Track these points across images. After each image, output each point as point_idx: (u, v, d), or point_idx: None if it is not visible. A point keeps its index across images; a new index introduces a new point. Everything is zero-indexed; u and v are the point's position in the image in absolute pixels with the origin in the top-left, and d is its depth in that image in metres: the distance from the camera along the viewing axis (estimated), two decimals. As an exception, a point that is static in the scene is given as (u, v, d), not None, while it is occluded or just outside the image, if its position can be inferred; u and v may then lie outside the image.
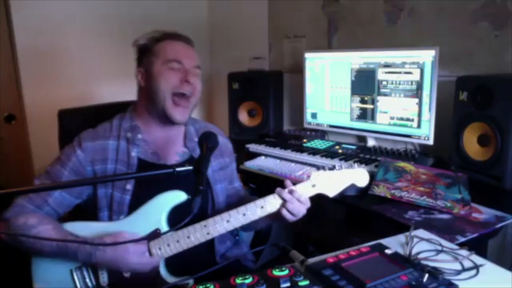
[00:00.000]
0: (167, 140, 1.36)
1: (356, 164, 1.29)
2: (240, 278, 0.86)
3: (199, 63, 1.35)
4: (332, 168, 1.25)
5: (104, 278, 1.18)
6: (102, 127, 1.34)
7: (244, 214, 1.16)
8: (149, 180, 1.21)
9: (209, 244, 1.32)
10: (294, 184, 1.21)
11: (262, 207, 1.17)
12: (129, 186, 1.25)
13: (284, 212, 1.18)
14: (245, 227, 1.33)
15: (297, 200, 1.17)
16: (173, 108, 1.29)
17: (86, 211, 1.29)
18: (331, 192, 1.24)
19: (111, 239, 1.13)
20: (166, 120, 1.31)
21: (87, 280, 1.18)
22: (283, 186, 1.20)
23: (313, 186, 1.21)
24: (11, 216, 1.18)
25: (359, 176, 1.27)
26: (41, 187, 1.21)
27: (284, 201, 1.17)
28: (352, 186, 1.27)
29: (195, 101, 1.34)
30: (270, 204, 1.18)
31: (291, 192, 1.18)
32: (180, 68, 1.29)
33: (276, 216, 1.20)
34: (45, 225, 1.16)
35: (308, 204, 1.20)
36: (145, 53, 1.33)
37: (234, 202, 1.43)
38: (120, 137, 1.31)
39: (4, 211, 1.19)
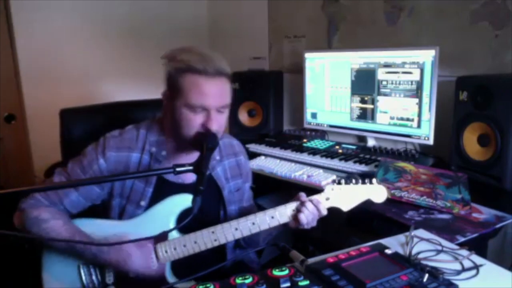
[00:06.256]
0: (188, 159, 1.26)
1: (375, 180, 1.21)
2: (240, 278, 0.86)
3: (229, 99, 1.21)
4: (349, 181, 1.20)
5: (110, 276, 1.19)
6: (129, 134, 1.28)
7: (253, 223, 1.15)
8: (163, 199, 1.23)
9: (221, 253, 1.31)
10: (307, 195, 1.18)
11: (272, 217, 1.16)
12: (143, 203, 1.24)
13: (301, 216, 1.15)
14: (250, 241, 1.33)
15: (314, 205, 1.16)
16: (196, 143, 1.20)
17: (98, 211, 1.30)
18: (345, 207, 1.20)
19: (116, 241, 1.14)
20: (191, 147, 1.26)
21: (93, 277, 1.20)
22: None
23: (327, 199, 1.19)
24: (26, 207, 1.22)
25: (376, 192, 1.21)
26: (45, 187, 1.23)
27: (303, 205, 1.15)
28: (368, 201, 1.21)
29: (221, 133, 1.23)
30: (280, 214, 1.16)
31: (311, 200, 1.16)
32: (204, 112, 1.17)
33: (284, 225, 1.19)
34: (56, 220, 1.18)
35: (323, 212, 1.18)
36: (170, 80, 1.20)
37: None
38: (144, 151, 1.26)
39: (21, 201, 1.23)
